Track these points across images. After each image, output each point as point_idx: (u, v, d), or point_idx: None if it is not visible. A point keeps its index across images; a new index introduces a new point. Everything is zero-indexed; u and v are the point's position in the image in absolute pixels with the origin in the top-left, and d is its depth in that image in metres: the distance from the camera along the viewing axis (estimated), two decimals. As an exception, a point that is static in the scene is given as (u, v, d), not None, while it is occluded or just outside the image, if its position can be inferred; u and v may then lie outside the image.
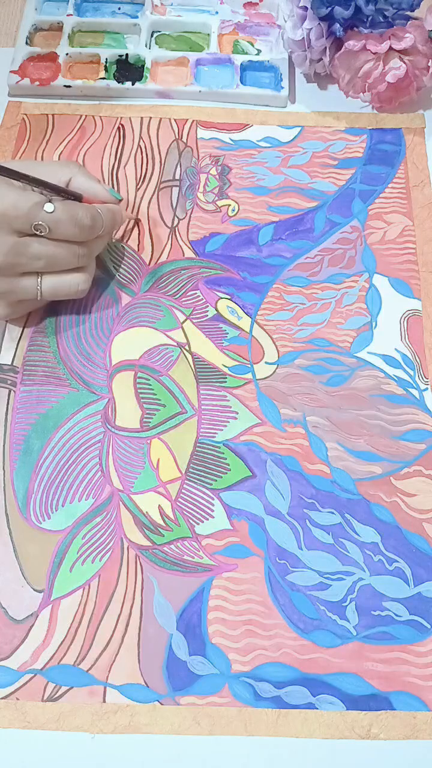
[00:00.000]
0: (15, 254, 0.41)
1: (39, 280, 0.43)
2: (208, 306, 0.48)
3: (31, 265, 0.42)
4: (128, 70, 0.58)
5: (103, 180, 0.53)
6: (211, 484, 0.42)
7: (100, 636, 0.38)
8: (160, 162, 0.54)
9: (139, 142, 0.55)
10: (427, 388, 0.46)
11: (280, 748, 0.36)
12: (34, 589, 0.40)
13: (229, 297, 0.49)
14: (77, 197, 0.44)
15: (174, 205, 0.52)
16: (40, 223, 0.41)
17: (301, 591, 0.40)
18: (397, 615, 0.39)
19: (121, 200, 0.47)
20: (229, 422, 0.44)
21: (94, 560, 0.40)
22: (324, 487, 0.42)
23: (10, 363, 0.46)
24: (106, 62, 0.57)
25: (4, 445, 0.43)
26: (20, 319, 0.47)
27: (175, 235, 0.51)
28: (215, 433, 0.44)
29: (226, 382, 0.46)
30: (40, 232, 0.41)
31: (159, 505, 0.42)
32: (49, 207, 0.41)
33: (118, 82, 0.56)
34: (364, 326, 0.48)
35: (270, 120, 0.56)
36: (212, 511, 0.42)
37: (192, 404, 0.45)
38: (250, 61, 0.58)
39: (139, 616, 0.39)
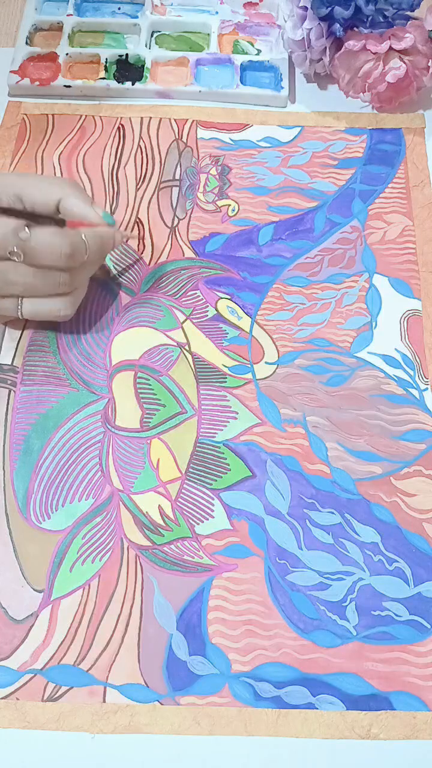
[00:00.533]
0: None
1: (19, 302, 0.43)
2: (208, 306, 0.48)
3: (8, 289, 0.41)
4: (128, 70, 0.58)
5: (103, 180, 0.53)
6: (211, 484, 0.42)
7: (100, 636, 0.38)
8: (160, 162, 0.54)
9: (139, 142, 0.55)
10: (427, 388, 0.46)
11: (280, 748, 0.36)
12: (34, 589, 0.39)
13: (229, 297, 0.49)
14: (59, 222, 0.42)
15: (174, 205, 0.52)
16: (13, 249, 0.39)
17: (301, 591, 0.40)
18: (397, 615, 0.39)
19: (113, 224, 0.44)
20: (229, 422, 0.44)
21: (94, 560, 0.40)
22: (324, 487, 0.42)
23: (10, 363, 0.46)
24: (106, 62, 0.57)
25: (4, 445, 0.43)
26: (20, 320, 0.47)
27: (175, 235, 0.51)
28: (215, 433, 0.44)
29: (226, 382, 0.46)
30: (16, 258, 0.40)
31: (159, 505, 0.42)
32: (23, 234, 0.39)
33: (118, 82, 0.56)
34: (364, 326, 0.48)
35: (270, 120, 0.56)
36: (212, 511, 0.42)
37: (192, 404, 0.45)
38: (250, 61, 0.58)
39: (139, 616, 0.39)
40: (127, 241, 0.50)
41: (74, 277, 0.43)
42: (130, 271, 0.50)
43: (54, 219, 0.42)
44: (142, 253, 0.50)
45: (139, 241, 0.51)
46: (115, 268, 0.50)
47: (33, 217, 0.41)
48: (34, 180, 0.43)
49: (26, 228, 0.40)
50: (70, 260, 0.41)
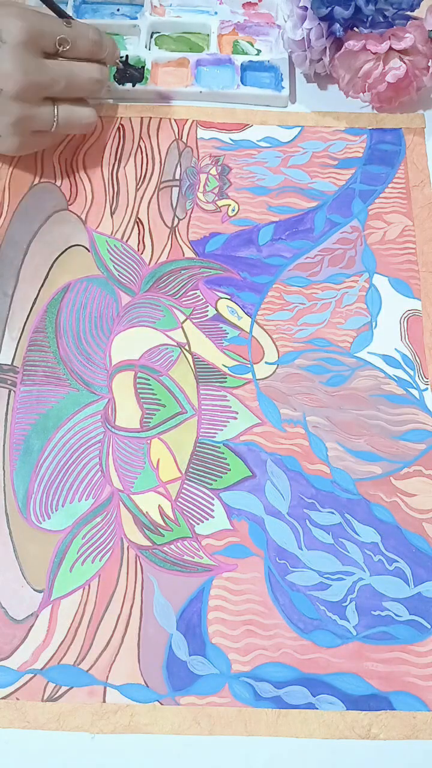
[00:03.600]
0: (40, 73, 0.44)
1: (56, 109, 0.47)
2: (208, 306, 0.48)
3: (53, 87, 0.46)
4: (128, 71, 0.58)
5: (104, 180, 0.53)
6: (211, 484, 0.42)
7: (100, 636, 0.38)
8: (160, 162, 0.54)
9: (139, 142, 0.55)
10: (427, 388, 0.46)
11: (280, 748, 0.36)
12: (34, 589, 0.40)
13: (229, 297, 0.49)
14: (68, 24, 0.47)
15: (174, 205, 0.52)
16: (63, 36, 0.45)
17: (301, 591, 0.40)
18: (397, 615, 0.39)
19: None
20: (229, 422, 0.44)
21: (94, 560, 0.40)
22: (324, 487, 0.42)
23: (10, 363, 0.46)
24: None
25: (4, 445, 0.43)
26: (20, 319, 0.47)
27: (175, 235, 0.51)
28: (215, 433, 0.44)
29: (226, 382, 0.46)
30: (63, 46, 0.46)
31: (159, 505, 0.42)
32: (66, 22, 0.46)
33: (119, 84, 0.56)
34: (364, 326, 0.48)
35: (270, 120, 0.56)
36: (212, 511, 0.42)
37: (192, 404, 0.45)
38: (250, 61, 0.58)
39: (139, 616, 0.39)
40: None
41: (103, 75, 0.49)
42: (130, 271, 0.50)
43: None
44: (142, 253, 0.50)
45: (139, 242, 0.51)
46: (115, 268, 0.50)
47: None
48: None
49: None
50: (101, 48, 0.48)
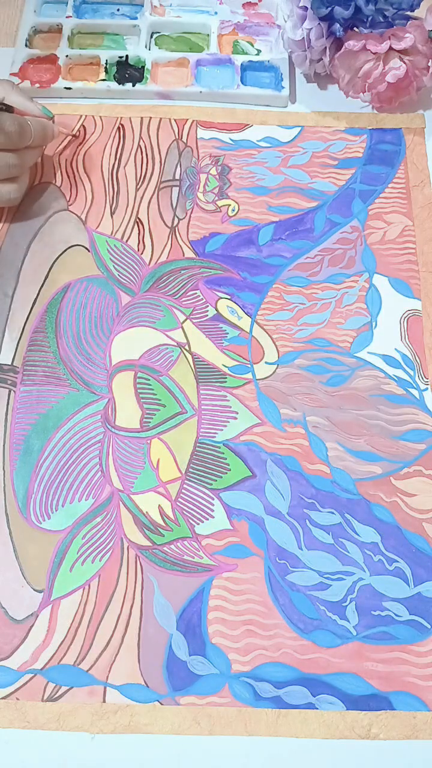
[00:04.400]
0: None
1: None
2: (208, 306, 0.48)
3: None
4: (128, 71, 0.58)
5: (104, 180, 0.53)
6: (211, 484, 0.42)
7: (100, 636, 0.38)
8: (160, 162, 0.54)
9: (139, 142, 0.55)
10: (427, 388, 0.46)
11: (280, 748, 0.36)
12: (34, 589, 0.40)
13: (229, 297, 0.49)
14: (8, 109, 0.46)
15: (174, 205, 0.52)
16: None
17: (301, 591, 0.40)
18: (397, 615, 0.39)
19: (52, 117, 0.50)
20: (229, 422, 0.44)
21: (94, 560, 0.40)
22: (324, 487, 0.42)
23: (10, 363, 0.46)
24: (106, 64, 0.57)
25: (4, 445, 0.43)
26: (20, 319, 0.47)
27: (175, 235, 0.51)
28: (215, 433, 0.44)
29: (226, 382, 0.46)
30: None
31: (159, 505, 0.42)
32: None
33: (119, 84, 0.56)
34: (364, 326, 0.48)
35: (270, 120, 0.56)
36: (212, 511, 0.42)
37: (192, 404, 0.45)
38: (250, 61, 0.58)
39: (139, 616, 0.39)
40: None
41: (21, 160, 0.47)
42: (130, 271, 0.50)
43: None
44: (142, 253, 0.50)
45: (139, 242, 0.51)
46: (115, 268, 0.50)
47: None
48: None
49: None
50: (20, 139, 0.46)
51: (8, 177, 0.47)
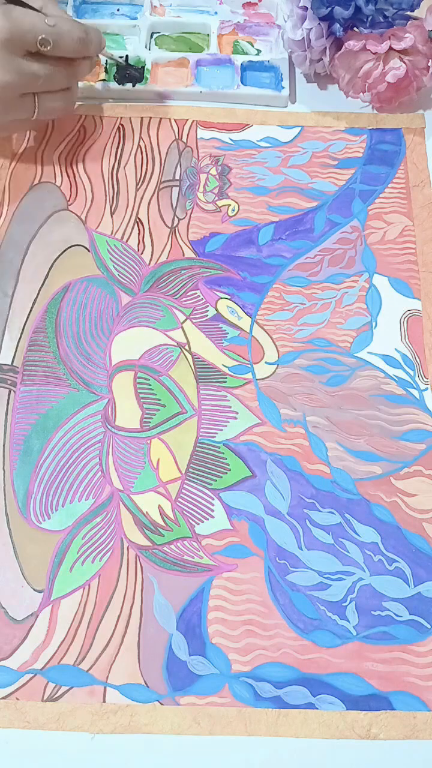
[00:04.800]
0: (19, 73, 0.44)
1: (35, 100, 0.47)
2: (208, 306, 0.48)
3: (31, 84, 0.46)
4: (128, 71, 0.58)
5: (103, 180, 0.53)
6: (211, 484, 0.42)
7: (100, 636, 0.38)
8: (160, 162, 0.54)
9: (139, 142, 0.55)
10: (427, 388, 0.46)
11: (280, 748, 0.36)
12: (34, 589, 0.40)
13: (229, 297, 0.49)
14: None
15: (174, 205, 0.52)
16: (44, 36, 0.44)
17: (301, 591, 0.40)
18: (397, 615, 0.39)
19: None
20: (229, 422, 0.44)
21: (94, 560, 0.40)
22: (324, 487, 0.42)
23: (10, 363, 0.46)
24: (106, 64, 0.57)
25: (4, 445, 0.43)
26: (20, 319, 0.47)
27: (175, 235, 0.51)
28: (215, 433, 0.44)
29: (226, 382, 0.46)
30: (44, 46, 0.44)
31: (159, 505, 0.42)
32: (50, 20, 0.44)
33: (119, 84, 0.56)
34: (364, 326, 0.48)
35: (270, 120, 0.56)
36: (212, 511, 0.42)
37: (192, 404, 0.45)
38: (250, 61, 0.58)
39: (139, 616, 0.39)
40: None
41: (73, 72, 0.48)
42: (130, 271, 0.50)
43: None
44: (142, 253, 0.50)
45: (139, 242, 0.51)
46: (115, 268, 0.50)
47: None
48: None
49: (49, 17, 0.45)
50: (85, 46, 0.47)
51: (67, 86, 0.49)
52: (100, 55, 0.53)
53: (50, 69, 0.46)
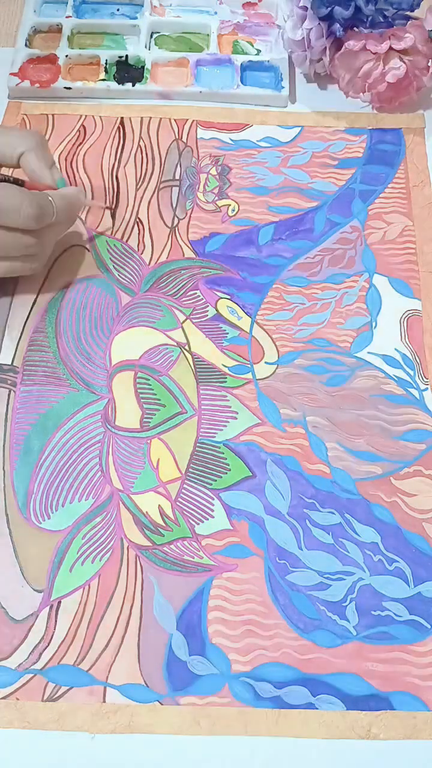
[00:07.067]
0: None
1: None
2: (208, 306, 0.48)
3: None
4: (128, 71, 0.58)
5: (103, 180, 0.53)
6: (211, 484, 0.42)
7: (100, 636, 0.38)
8: (160, 162, 0.54)
9: (139, 142, 0.55)
10: (427, 388, 0.46)
11: (280, 748, 0.36)
12: (34, 589, 0.40)
13: (229, 297, 0.49)
14: (19, 182, 0.42)
15: (174, 205, 0.52)
16: None
17: (301, 591, 0.40)
18: (397, 615, 0.39)
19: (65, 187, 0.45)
20: (229, 422, 0.44)
21: (94, 560, 0.40)
22: (324, 487, 0.42)
23: (10, 363, 0.46)
24: (105, 63, 0.57)
25: (4, 445, 0.43)
26: (20, 319, 0.47)
27: (175, 235, 0.51)
28: (215, 433, 0.44)
29: (226, 382, 0.46)
30: None
31: (159, 505, 0.42)
32: None
33: (119, 84, 0.56)
34: (364, 326, 0.48)
35: (270, 120, 0.56)
36: (212, 511, 0.42)
37: (192, 404, 0.45)
38: (250, 61, 0.58)
39: (139, 616, 0.39)
40: (96, 208, 0.50)
41: (42, 239, 0.43)
42: (130, 271, 0.50)
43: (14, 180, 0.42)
44: (142, 253, 0.50)
45: (139, 242, 0.51)
46: (115, 268, 0.50)
47: None
48: (3, 132, 0.44)
49: None
50: (37, 222, 0.41)
51: (26, 255, 0.43)
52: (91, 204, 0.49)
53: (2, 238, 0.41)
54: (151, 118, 0.56)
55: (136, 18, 0.60)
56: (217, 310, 0.48)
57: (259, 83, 0.58)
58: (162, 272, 0.49)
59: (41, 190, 0.43)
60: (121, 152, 0.54)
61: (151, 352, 0.47)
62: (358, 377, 0.46)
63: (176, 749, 0.36)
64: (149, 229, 0.51)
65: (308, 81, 0.59)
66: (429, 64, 0.54)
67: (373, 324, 0.48)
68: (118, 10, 0.61)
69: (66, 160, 0.54)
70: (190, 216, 0.52)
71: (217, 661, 0.38)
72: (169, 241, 0.51)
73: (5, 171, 0.45)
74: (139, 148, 0.54)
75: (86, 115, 0.56)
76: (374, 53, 0.52)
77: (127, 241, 0.51)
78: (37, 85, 0.56)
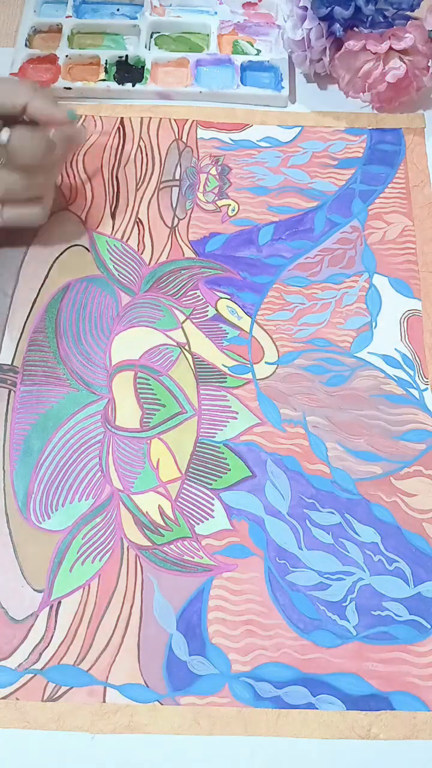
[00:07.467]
0: None
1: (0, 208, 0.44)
2: (208, 306, 0.48)
3: None
4: (128, 71, 0.58)
5: (103, 180, 0.53)
6: (211, 484, 0.42)
7: (100, 636, 0.38)
8: (160, 162, 0.54)
9: (139, 142, 0.55)
10: (427, 388, 0.46)
11: (280, 748, 0.36)
12: (34, 589, 0.40)
13: (229, 297, 0.49)
14: (33, 122, 0.43)
15: (174, 205, 0.52)
16: None
17: (301, 591, 0.40)
18: (397, 615, 0.39)
19: (75, 119, 0.46)
20: (229, 422, 0.44)
21: (94, 560, 0.40)
22: (324, 487, 0.42)
23: (10, 363, 0.46)
24: (105, 63, 0.57)
25: (4, 445, 0.43)
26: (20, 319, 0.47)
27: (175, 235, 0.51)
28: (215, 433, 0.44)
29: (226, 382, 0.46)
30: None
31: (159, 505, 0.42)
32: (3, 135, 0.41)
33: (119, 84, 0.56)
34: (364, 326, 0.48)
35: (270, 120, 0.56)
36: (212, 511, 0.42)
37: (192, 404, 0.45)
38: (250, 61, 0.58)
39: (139, 616, 0.39)
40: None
41: (47, 179, 0.45)
42: (130, 271, 0.50)
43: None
44: (142, 253, 0.50)
45: (139, 242, 0.51)
46: (115, 268, 0.50)
47: None
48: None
49: (3, 130, 0.41)
50: (45, 157, 0.43)
51: (32, 197, 0.45)
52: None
53: (10, 178, 0.43)
54: (151, 118, 0.56)
55: (136, 18, 0.60)
56: (217, 310, 0.48)
57: (259, 83, 0.58)
58: (162, 272, 0.49)
59: (57, 125, 0.45)
60: (121, 152, 0.54)
61: (151, 352, 0.47)
62: (358, 377, 0.46)
63: (176, 749, 0.36)
64: (149, 229, 0.51)
65: (308, 81, 0.59)
66: (429, 64, 0.54)
67: (373, 324, 0.48)
68: (118, 10, 0.61)
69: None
70: (190, 216, 0.52)
71: (217, 661, 0.38)
72: (169, 241, 0.51)
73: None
74: (139, 149, 0.54)
75: (86, 115, 0.56)
76: (374, 53, 0.52)
77: (127, 241, 0.51)
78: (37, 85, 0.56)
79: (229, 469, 0.43)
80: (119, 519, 0.41)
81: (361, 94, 0.55)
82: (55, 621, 0.39)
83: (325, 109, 0.57)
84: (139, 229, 0.51)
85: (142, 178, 0.53)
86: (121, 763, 0.36)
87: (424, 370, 0.46)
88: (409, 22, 0.53)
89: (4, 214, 0.44)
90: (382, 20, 0.52)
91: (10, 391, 0.45)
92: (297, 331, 0.47)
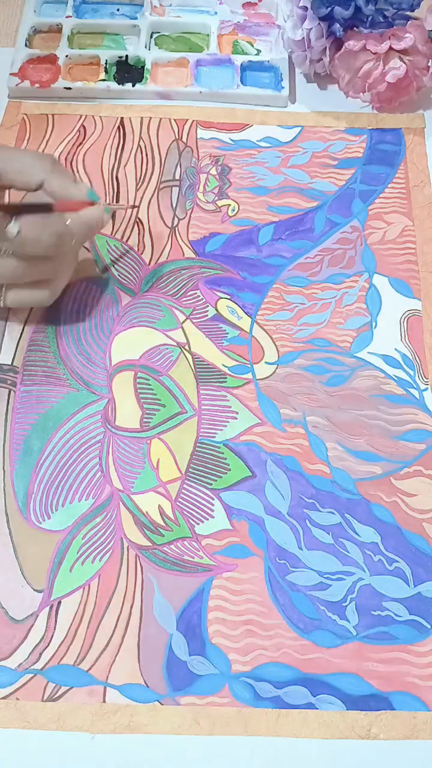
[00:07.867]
0: None
1: (2, 291, 0.42)
2: (208, 306, 0.48)
3: None
4: (128, 71, 0.58)
5: (103, 180, 0.53)
6: (211, 484, 0.42)
7: (100, 636, 0.38)
8: (160, 162, 0.54)
9: (139, 142, 0.55)
10: (427, 388, 0.46)
11: (280, 748, 0.36)
12: (34, 589, 0.40)
13: (229, 297, 0.49)
14: (47, 207, 0.41)
15: (174, 205, 0.52)
16: (1, 246, 0.39)
17: (301, 591, 0.40)
18: (397, 615, 0.39)
19: (98, 201, 0.44)
20: (229, 422, 0.44)
21: (94, 560, 0.40)
22: (324, 487, 0.42)
23: (10, 363, 0.46)
24: (105, 63, 0.57)
25: (4, 445, 0.43)
26: (20, 319, 0.47)
27: (175, 235, 0.51)
28: (215, 433, 0.44)
29: (226, 382, 0.46)
30: (3, 253, 0.39)
31: (159, 505, 0.42)
32: (13, 229, 0.39)
33: (119, 84, 0.56)
34: (364, 326, 0.48)
35: (270, 120, 0.56)
36: (212, 511, 0.42)
37: (192, 404, 0.45)
38: (250, 61, 0.58)
39: (139, 616, 0.39)
40: (131, 219, 0.50)
41: (59, 264, 0.43)
42: (130, 271, 0.50)
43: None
44: (142, 253, 0.50)
45: (139, 242, 0.51)
46: (115, 268, 0.50)
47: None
48: (16, 156, 0.43)
49: (12, 221, 0.39)
50: (57, 249, 0.41)
51: (44, 279, 0.43)
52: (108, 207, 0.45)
53: (14, 266, 0.40)
54: (151, 118, 0.56)
55: (136, 18, 0.60)
56: (217, 310, 0.48)
57: (259, 83, 0.58)
58: (162, 272, 0.49)
59: (75, 207, 0.42)
60: (121, 152, 0.54)
61: (151, 352, 0.47)
62: (358, 377, 0.46)
63: (176, 749, 0.36)
64: (149, 229, 0.51)
65: (308, 81, 0.59)
66: (429, 64, 0.54)
67: (373, 324, 0.48)
68: (118, 10, 0.61)
69: (66, 160, 0.54)
70: (190, 216, 0.52)
71: (217, 661, 0.38)
72: (169, 241, 0.51)
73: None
74: (139, 148, 0.54)
75: (86, 115, 0.56)
76: (374, 53, 0.52)
77: (127, 241, 0.51)
78: (37, 85, 0.56)
79: (229, 469, 0.43)
80: (119, 519, 0.41)
81: (361, 94, 0.55)
82: (55, 621, 0.39)
83: (325, 109, 0.57)
84: (139, 229, 0.51)
85: (142, 178, 0.53)
86: (121, 763, 0.36)
87: (424, 370, 0.46)
88: (409, 22, 0.53)
89: (8, 298, 0.43)
90: (382, 20, 0.52)
91: (10, 391, 0.45)
92: (297, 331, 0.47)
